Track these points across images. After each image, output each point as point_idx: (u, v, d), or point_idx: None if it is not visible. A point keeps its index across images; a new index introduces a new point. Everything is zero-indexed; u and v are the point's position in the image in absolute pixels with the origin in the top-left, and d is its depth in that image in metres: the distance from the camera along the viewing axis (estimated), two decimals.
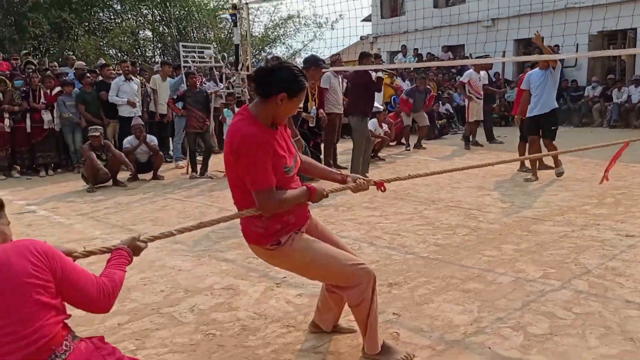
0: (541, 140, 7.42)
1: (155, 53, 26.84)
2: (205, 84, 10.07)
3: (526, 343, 2.91)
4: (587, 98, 15.64)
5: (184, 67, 9.82)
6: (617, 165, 8.15)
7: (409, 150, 11.20)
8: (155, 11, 25.43)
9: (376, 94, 10.26)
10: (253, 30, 27.95)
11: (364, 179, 2.86)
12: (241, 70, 8.42)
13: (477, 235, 4.93)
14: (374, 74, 7.75)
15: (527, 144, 7.76)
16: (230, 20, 8.33)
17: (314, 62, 6.49)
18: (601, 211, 5.69)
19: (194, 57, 10.08)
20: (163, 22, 25.55)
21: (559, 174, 7.42)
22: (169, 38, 25.30)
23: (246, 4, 8.26)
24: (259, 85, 2.47)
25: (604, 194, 6.49)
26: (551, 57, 7.46)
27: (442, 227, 5.23)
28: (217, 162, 9.12)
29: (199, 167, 8.71)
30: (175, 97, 9.24)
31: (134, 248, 2.08)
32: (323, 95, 8.34)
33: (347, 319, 3.07)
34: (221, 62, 10.07)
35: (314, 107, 7.75)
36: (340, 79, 9.07)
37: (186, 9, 25.18)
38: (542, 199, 6.35)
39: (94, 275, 1.82)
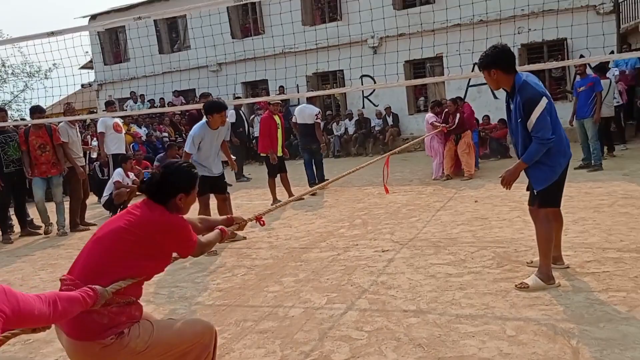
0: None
1: None
2: None
3: None
4: None
5: None
6: (353, 189, 9.13)
7: None
8: None
9: (119, 140, 9.71)
10: None
11: (243, 219, 3.25)
12: None
13: (256, 273, 4.96)
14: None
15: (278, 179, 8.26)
16: None
17: None
18: (355, 232, 6.25)
19: None
20: None
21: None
22: None
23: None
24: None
25: (352, 216, 7.15)
26: (293, 95, 8.00)
27: (219, 271, 5.13)
28: None
29: None
30: None
31: None
32: None
33: None
34: None
35: None
36: (77, 130, 8.25)
37: None
38: (302, 228, 6.70)
39: None
